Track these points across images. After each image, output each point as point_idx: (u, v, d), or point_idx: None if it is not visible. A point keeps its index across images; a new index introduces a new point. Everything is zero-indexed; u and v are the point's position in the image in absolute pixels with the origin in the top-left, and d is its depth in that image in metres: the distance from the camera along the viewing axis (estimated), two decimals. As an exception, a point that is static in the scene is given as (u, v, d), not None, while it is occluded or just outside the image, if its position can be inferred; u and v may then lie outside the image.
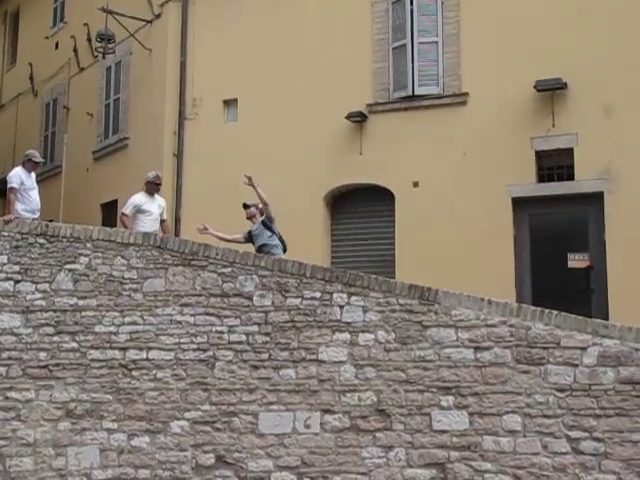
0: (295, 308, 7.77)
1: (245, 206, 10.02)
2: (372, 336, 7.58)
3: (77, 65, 16.62)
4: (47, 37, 18.02)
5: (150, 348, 7.93)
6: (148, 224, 9.47)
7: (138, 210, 9.60)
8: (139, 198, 9.71)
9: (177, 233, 12.67)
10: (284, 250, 9.68)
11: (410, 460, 7.33)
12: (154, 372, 7.88)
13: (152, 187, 9.84)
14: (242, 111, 13.15)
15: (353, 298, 7.68)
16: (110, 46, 14.13)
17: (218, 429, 7.68)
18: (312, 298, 7.75)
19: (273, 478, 7.51)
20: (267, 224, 9.65)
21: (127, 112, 14.75)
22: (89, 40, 15.71)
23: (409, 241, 11.48)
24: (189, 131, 13.38)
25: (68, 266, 8.22)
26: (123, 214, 9.60)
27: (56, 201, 15.47)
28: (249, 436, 7.62)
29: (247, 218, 10.03)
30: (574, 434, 7.07)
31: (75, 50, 16.55)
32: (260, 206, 9.87)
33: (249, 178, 9.63)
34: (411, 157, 11.67)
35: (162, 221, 10.00)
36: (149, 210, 9.64)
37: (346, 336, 7.63)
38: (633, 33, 10.71)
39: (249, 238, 9.83)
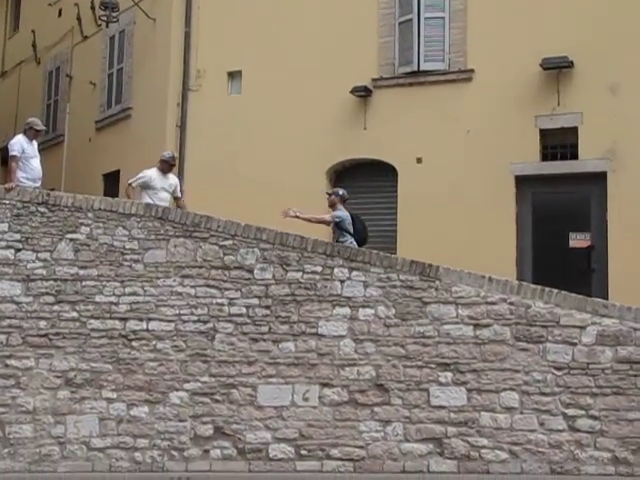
0: (296, 282, 7.79)
1: (327, 194, 9.71)
2: (372, 311, 7.60)
3: (80, 33, 16.49)
4: (50, 4, 17.83)
5: (150, 319, 7.96)
6: (155, 202, 9.21)
7: (147, 185, 9.50)
8: (150, 173, 9.63)
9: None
10: (362, 242, 9.16)
11: (407, 435, 7.38)
12: (154, 343, 7.91)
13: (166, 166, 9.74)
14: (246, 83, 13.06)
15: (354, 273, 7.70)
16: (114, 15, 14.00)
17: (217, 400, 7.72)
18: (313, 272, 7.77)
19: (271, 450, 7.57)
20: (339, 226, 9.30)
21: (130, 82, 14.65)
22: (93, 8, 15.56)
23: (411, 217, 11.46)
24: (192, 103, 13.31)
25: (69, 235, 8.21)
26: (129, 184, 9.56)
27: (58, 170, 15.44)
28: (248, 408, 7.67)
29: (329, 206, 9.56)
30: (571, 412, 7.13)
31: (79, 18, 16.41)
32: (341, 192, 9.52)
33: (290, 213, 9.09)
34: (415, 133, 11.61)
35: (177, 198, 9.91)
36: (158, 187, 9.53)
37: (346, 311, 7.65)
38: (641, 11, 10.63)
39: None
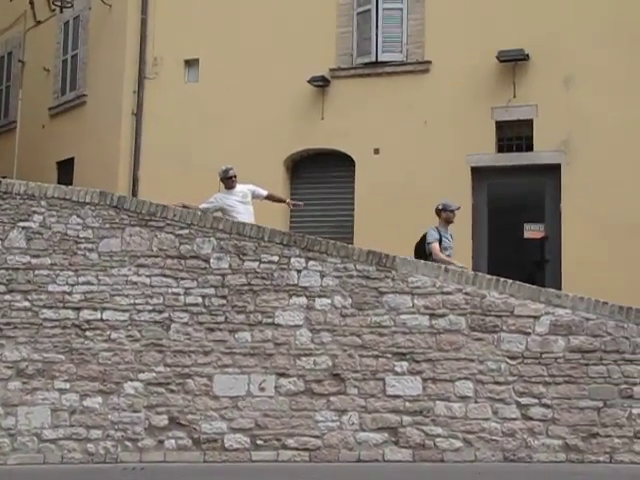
0: (252, 271, 7.75)
1: (452, 210, 9.05)
2: (329, 301, 7.60)
3: (33, 18, 16.15)
4: (2, -12, 17.48)
5: (105, 308, 7.84)
6: (239, 219, 8.81)
7: (223, 209, 9.20)
8: (217, 196, 9.39)
9: (135, 193, 12.52)
10: None
11: (363, 424, 7.40)
12: (108, 333, 7.80)
13: (227, 182, 9.50)
14: (203, 72, 12.95)
15: (311, 263, 7.68)
16: (68, 0, 13.76)
17: (172, 391, 7.66)
18: (270, 262, 7.73)
19: (226, 440, 7.53)
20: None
21: (85, 69, 14.42)
22: (46, -7, 15.30)
23: (368, 207, 11.49)
24: (149, 90, 13.15)
25: (21, 224, 8.04)
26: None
27: (10, 157, 15.16)
28: (203, 398, 7.62)
29: (447, 221, 9.04)
30: (524, 400, 7.22)
31: (31, 2, 16.08)
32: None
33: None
34: (372, 124, 11.65)
35: (267, 197, 9.75)
36: (232, 204, 9.30)
37: (303, 300, 7.64)
38: (595, 6, 10.78)
39: (439, 238, 8.88)
